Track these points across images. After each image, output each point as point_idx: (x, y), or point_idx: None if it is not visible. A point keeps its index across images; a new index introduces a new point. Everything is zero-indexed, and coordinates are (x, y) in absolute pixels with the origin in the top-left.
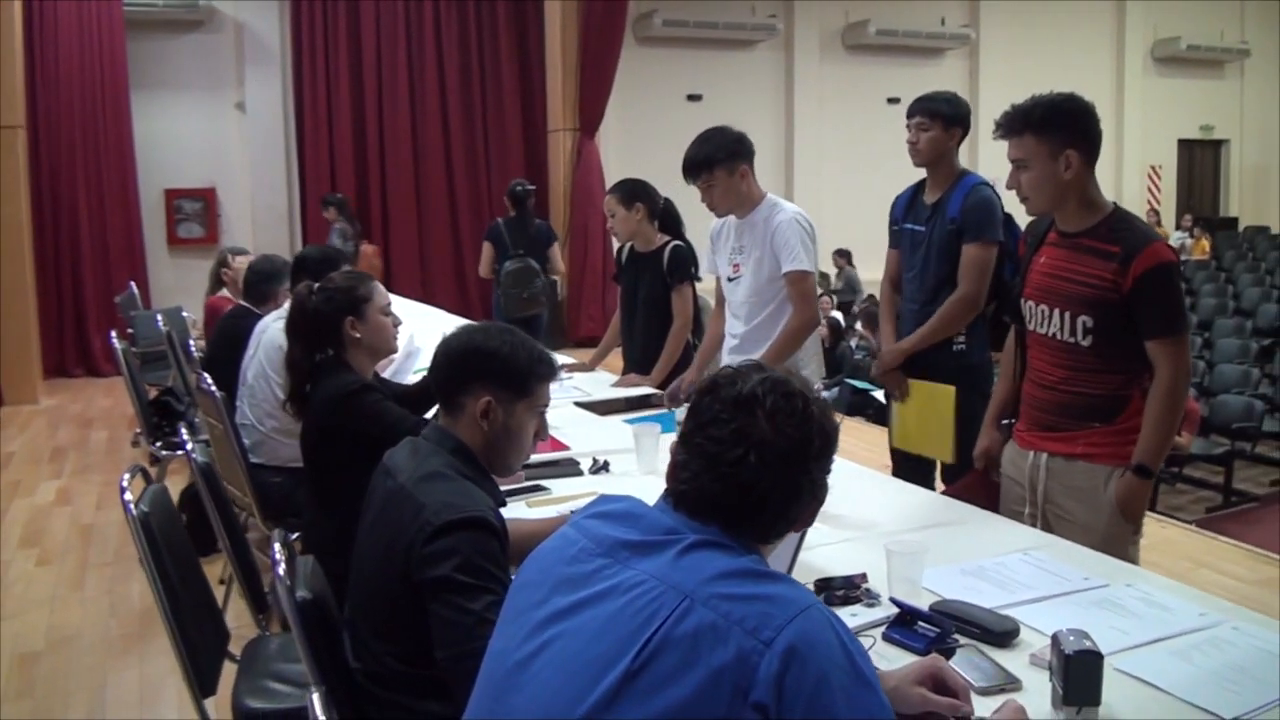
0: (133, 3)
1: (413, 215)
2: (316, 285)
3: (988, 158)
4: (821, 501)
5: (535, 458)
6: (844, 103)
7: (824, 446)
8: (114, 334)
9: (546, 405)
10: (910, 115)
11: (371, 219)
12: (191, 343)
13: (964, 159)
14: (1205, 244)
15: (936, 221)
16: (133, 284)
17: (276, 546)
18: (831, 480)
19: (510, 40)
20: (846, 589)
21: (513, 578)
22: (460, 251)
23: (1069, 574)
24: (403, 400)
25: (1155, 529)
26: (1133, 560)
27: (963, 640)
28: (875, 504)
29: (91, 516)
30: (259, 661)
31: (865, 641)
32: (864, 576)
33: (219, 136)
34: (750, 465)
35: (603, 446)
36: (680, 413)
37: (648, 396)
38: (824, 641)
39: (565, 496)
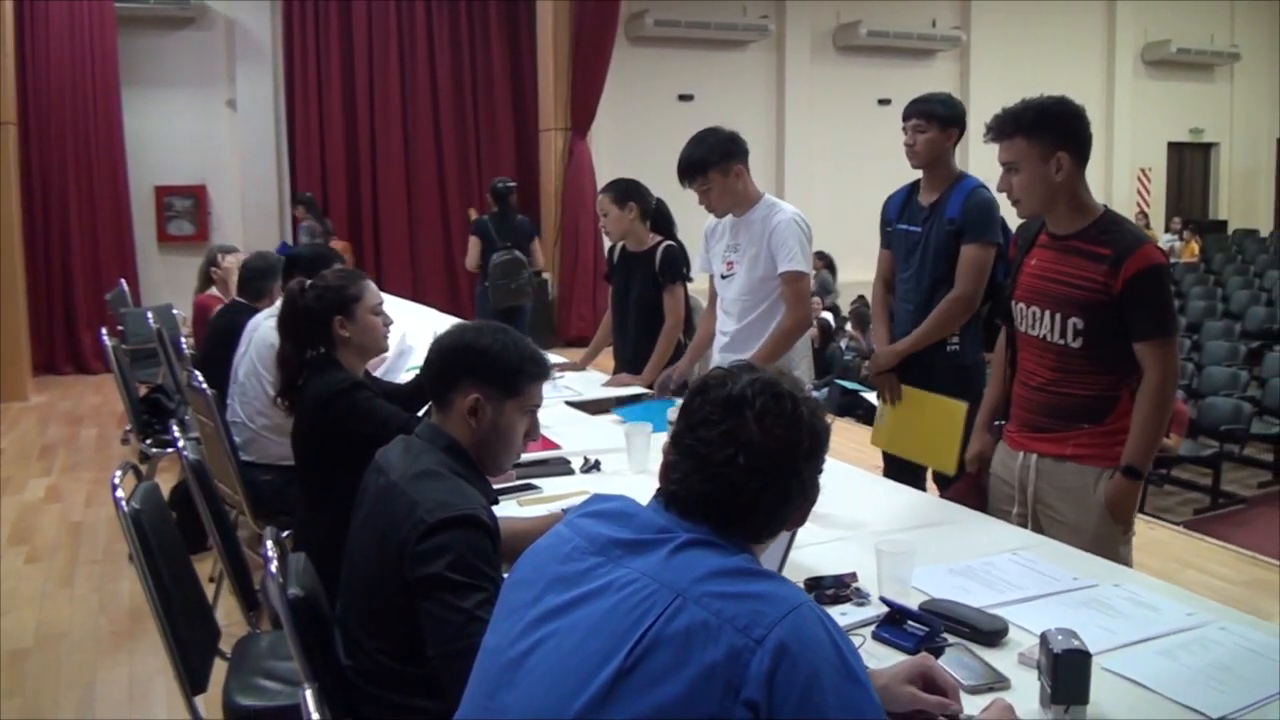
0: None
1: (403, 213)
2: (309, 282)
3: (978, 160)
4: (813, 501)
5: (526, 456)
6: (835, 104)
7: (814, 447)
8: (104, 331)
9: (538, 405)
10: (906, 118)
11: (362, 217)
12: (182, 340)
13: (956, 160)
14: (1194, 247)
15: (934, 222)
16: (123, 281)
17: (269, 544)
18: (822, 480)
19: (502, 39)
20: (836, 588)
21: (505, 576)
22: (451, 250)
23: (1057, 574)
24: (393, 398)
25: (1143, 530)
26: (1126, 560)
27: (952, 639)
28: (865, 504)
29: (81, 514)
30: (250, 659)
31: (855, 640)
32: (854, 576)
33: (210, 134)
34: (739, 466)
35: (594, 445)
36: (673, 409)
37: (639, 396)
38: (815, 639)
39: (556, 495)
